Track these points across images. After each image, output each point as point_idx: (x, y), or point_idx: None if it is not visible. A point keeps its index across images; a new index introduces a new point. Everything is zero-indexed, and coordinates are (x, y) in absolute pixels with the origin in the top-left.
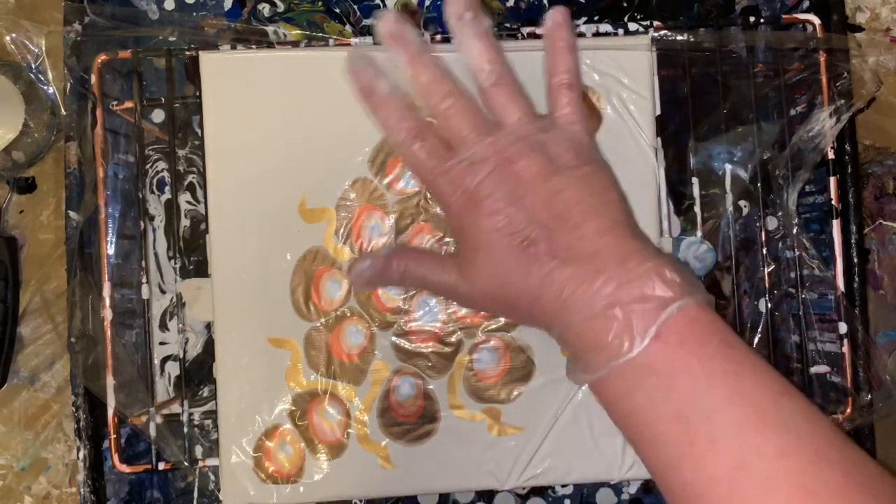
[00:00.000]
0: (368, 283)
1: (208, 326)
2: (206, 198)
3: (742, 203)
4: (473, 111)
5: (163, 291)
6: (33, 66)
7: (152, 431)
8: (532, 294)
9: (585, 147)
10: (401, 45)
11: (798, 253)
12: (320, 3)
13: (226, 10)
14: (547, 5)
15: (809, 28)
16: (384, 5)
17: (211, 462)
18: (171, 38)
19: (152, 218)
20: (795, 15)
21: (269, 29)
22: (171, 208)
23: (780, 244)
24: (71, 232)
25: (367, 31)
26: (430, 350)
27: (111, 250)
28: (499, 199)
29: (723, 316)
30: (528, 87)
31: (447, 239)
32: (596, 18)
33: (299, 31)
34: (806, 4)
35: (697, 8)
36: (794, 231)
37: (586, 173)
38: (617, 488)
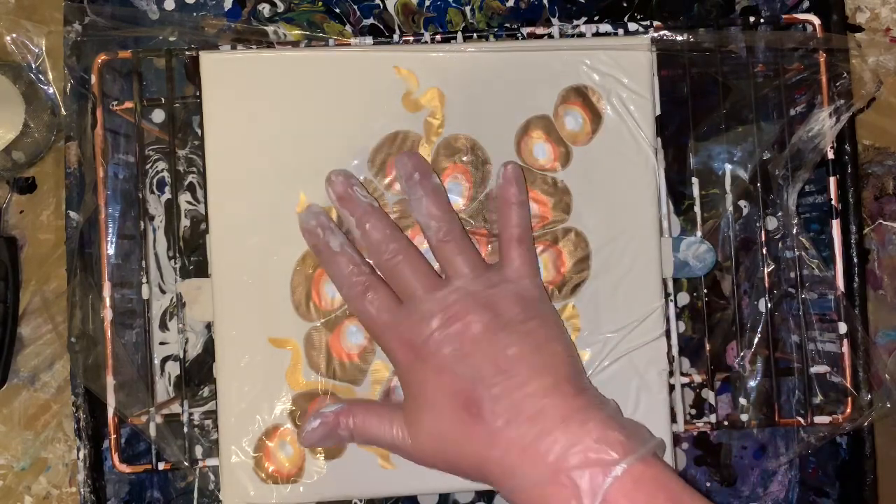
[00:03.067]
0: (318, 443)
1: (208, 326)
2: (206, 198)
3: (742, 203)
4: (422, 266)
5: (163, 291)
6: (33, 66)
7: (152, 431)
8: (477, 455)
9: (533, 301)
10: (349, 207)
11: (798, 253)
12: (320, 3)
13: (226, 10)
14: (547, 5)
15: (809, 28)
16: (384, 6)
17: (211, 462)
18: (171, 38)
19: (152, 218)
20: (795, 15)
21: (269, 29)
22: (171, 208)
23: (780, 244)
24: (71, 232)
25: (367, 31)
26: None
27: (111, 250)
28: (444, 356)
29: (723, 316)
30: (527, 88)
31: None
32: (596, 18)
33: (299, 31)
34: (806, 4)
35: (697, 8)
36: (794, 231)
37: (532, 328)
38: None
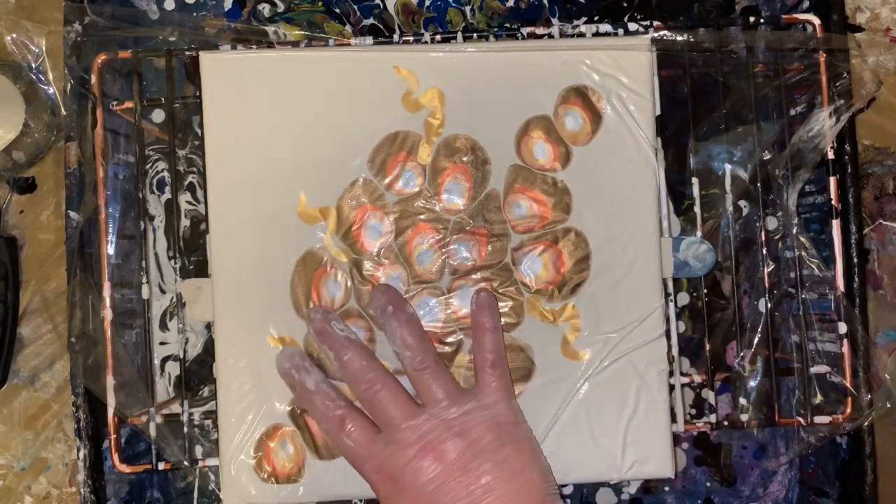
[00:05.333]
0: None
1: (208, 326)
2: (206, 198)
3: (742, 203)
4: (399, 394)
5: (163, 291)
6: (33, 66)
7: (152, 431)
8: None
9: (508, 426)
10: (327, 341)
11: (798, 253)
12: (320, 3)
13: (226, 10)
14: (547, 5)
15: (809, 28)
16: (384, 6)
17: (211, 462)
18: (171, 38)
19: (152, 218)
20: (795, 15)
21: (269, 29)
22: (171, 208)
23: (780, 244)
24: (71, 232)
25: (366, 31)
26: None
27: (111, 250)
28: (419, 487)
29: (723, 316)
30: (527, 88)
31: (446, 239)
32: (596, 18)
33: (299, 31)
34: (806, 4)
35: (697, 8)
36: (794, 231)
37: (506, 456)
38: (617, 488)
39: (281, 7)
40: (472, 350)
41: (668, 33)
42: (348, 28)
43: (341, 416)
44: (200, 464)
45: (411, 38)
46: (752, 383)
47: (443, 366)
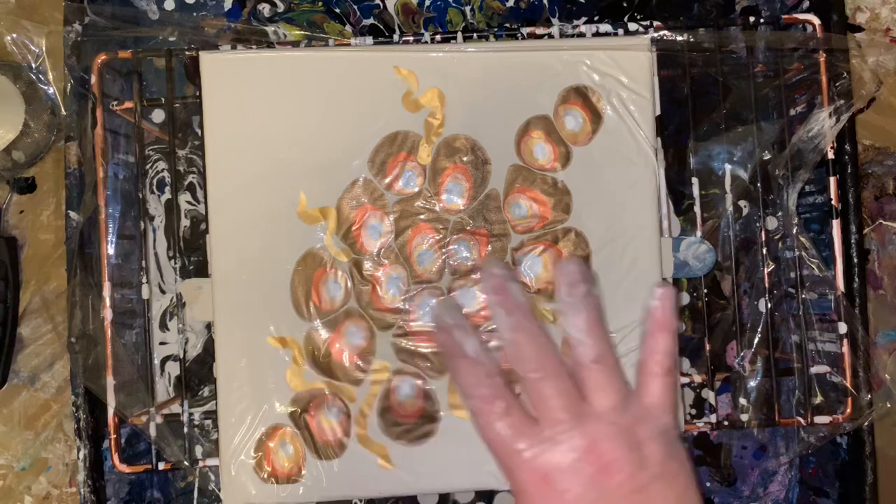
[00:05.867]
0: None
1: (208, 326)
2: (206, 198)
3: (742, 203)
4: (568, 389)
5: (163, 291)
6: (33, 66)
7: (152, 431)
8: None
9: (673, 441)
10: (505, 305)
11: (798, 253)
12: (320, 3)
13: (226, 10)
14: (547, 5)
15: (809, 28)
16: (384, 5)
17: (211, 462)
18: (171, 39)
19: (152, 218)
20: (795, 15)
21: (269, 29)
22: (171, 208)
23: (780, 244)
24: (71, 232)
25: (366, 31)
26: (429, 350)
27: (111, 250)
28: (579, 493)
29: (723, 316)
30: (527, 88)
31: (446, 239)
32: (596, 18)
33: (299, 31)
34: (806, 4)
35: (697, 8)
36: (794, 231)
37: (673, 472)
38: None
39: (281, 7)
40: (641, 348)
41: (668, 33)
42: (348, 28)
43: (498, 395)
44: (200, 464)
45: (411, 38)
46: (752, 383)
47: (619, 364)
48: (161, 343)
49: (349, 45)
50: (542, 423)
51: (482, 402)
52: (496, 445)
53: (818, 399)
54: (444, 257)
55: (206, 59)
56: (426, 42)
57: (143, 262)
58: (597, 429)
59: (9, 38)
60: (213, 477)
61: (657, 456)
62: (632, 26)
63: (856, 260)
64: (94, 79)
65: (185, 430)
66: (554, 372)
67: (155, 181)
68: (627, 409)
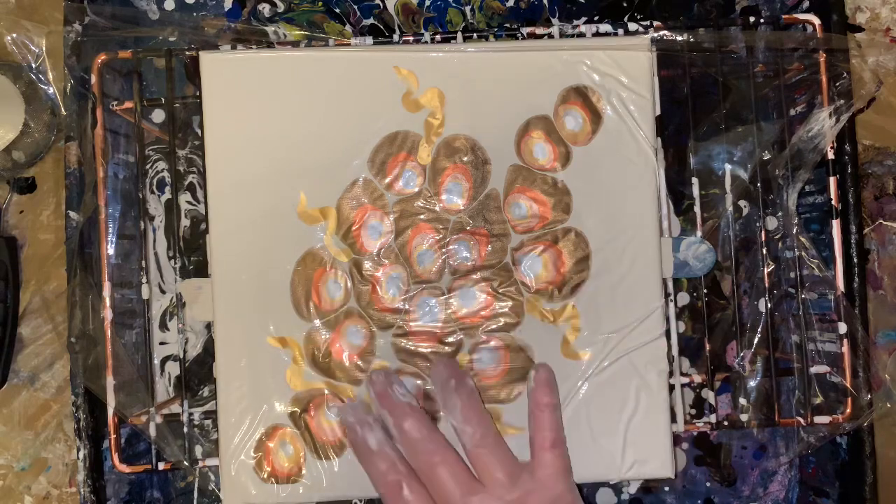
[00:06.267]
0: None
1: (208, 326)
2: (206, 198)
3: (742, 203)
4: (459, 470)
5: (163, 291)
6: (33, 66)
7: (152, 431)
8: None
9: None
10: (387, 405)
11: (798, 253)
12: (320, 3)
13: (226, 10)
14: (547, 5)
15: (809, 28)
16: (384, 5)
17: (211, 462)
18: (171, 38)
19: (152, 218)
20: (795, 15)
21: (269, 29)
22: (171, 208)
23: (780, 244)
24: (71, 232)
25: (366, 31)
26: (429, 350)
27: (111, 250)
28: None
29: (723, 316)
30: (527, 88)
31: (446, 239)
32: (596, 18)
33: (299, 31)
34: (806, 4)
35: (697, 8)
36: (794, 231)
37: None
38: (617, 488)
39: (281, 7)
40: (529, 425)
41: (668, 33)
42: (348, 28)
43: (400, 482)
44: (200, 464)
45: (411, 38)
46: (752, 383)
47: (502, 442)
48: (161, 343)
49: (349, 45)
50: (440, 502)
51: (389, 489)
52: None
53: (818, 399)
54: (444, 257)
55: (206, 59)
56: (426, 42)
57: (143, 262)
58: None
59: (9, 38)
60: (213, 477)
61: None
62: (632, 26)
63: (856, 260)
64: (94, 79)
65: (185, 430)
66: (442, 459)
67: (155, 181)
68: (517, 484)
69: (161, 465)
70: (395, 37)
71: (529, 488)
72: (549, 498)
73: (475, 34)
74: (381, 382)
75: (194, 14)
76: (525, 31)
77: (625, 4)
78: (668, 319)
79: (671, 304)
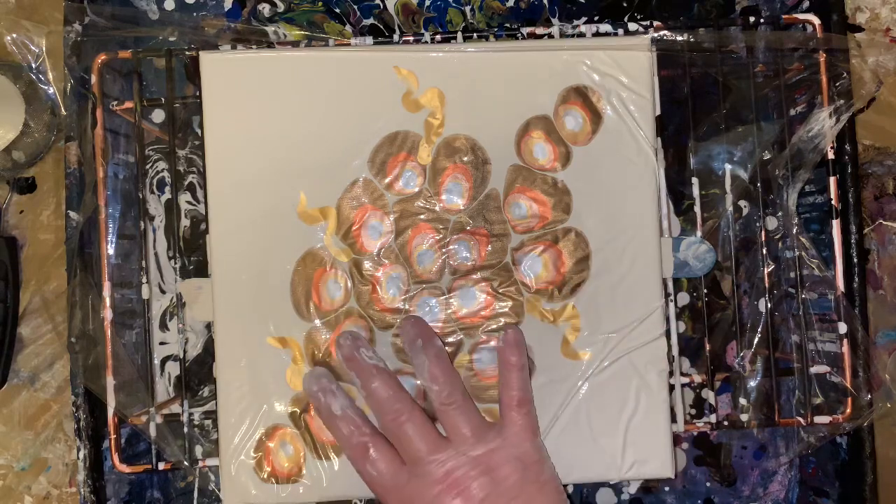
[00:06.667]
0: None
1: (208, 326)
2: (206, 198)
3: (742, 203)
4: (426, 427)
5: (163, 291)
6: (33, 66)
7: (152, 431)
8: None
9: (533, 465)
10: (355, 368)
11: (798, 253)
12: (320, 3)
13: (226, 10)
14: (547, 5)
15: (809, 28)
16: (384, 5)
17: (211, 462)
18: (171, 38)
19: (152, 218)
20: (795, 15)
21: (269, 29)
22: (171, 208)
23: (780, 244)
24: (71, 232)
25: (366, 31)
26: None
27: (111, 250)
28: None
29: (723, 316)
30: (527, 88)
31: (446, 239)
32: (596, 18)
33: (299, 31)
34: (806, 4)
35: (697, 8)
36: (794, 231)
37: (531, 496)
38: (617, 488)
39: (281, 7)
40: (499, 385)
41: (668, 33)
42: (348, 28)
43: (366, 443)
44: (200, 464)
45: (411, 38)
46: (752, 383)
47: (470, 401)
48: (161, 343)
49: (349, 45)
50: (406, 461)
51: (356, 452)
52: (371, 487)
53: (818, 399)
54: (444, 257)
55: (206, 59)
56: (426, 42)
57: (143, 262)
58: (452, 460)
59: (9, 38)
60: (213, 477)
61: (512, 480)
62: (632, 26)
63: (856, 260)
64: (94, 79)
65: (185, 430)
66: (409, 417)
67: (155, 181)
68: (482, 440)
69: (161, 465)
70: (395, 37)
71: (495, 446)
72: (515, 455)
73: (475, 34)
74: (349, 346)
75: (194, 14)
76: (525, 31)
77: (625, 4)
78: (668, 319)
79: (671, 304)
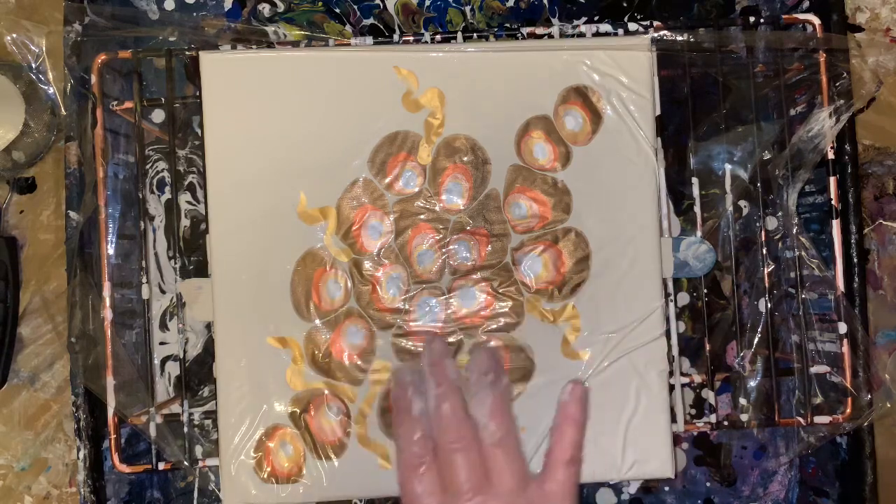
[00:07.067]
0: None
1: (208, 326)
2: (206, 198)
3: (742, 203)
4: (475, 463)
5: (163, 291)
6: (33, 66)
7: (152, 431)
8: None
9: None
10: (437, 376)
11: (798, 253)
12: (320, 3)
13: (226, 10)
14: (547, 5)
15: (809, 28)
16: (384, 5)
17: (211, 462)
18: (171, 38)
19: (152, 218)
20: (795, 15)
21: (269, 29)
22: (171, 208)
23: (780, 244)
24: (71, 232)
25: (366, 31)
26: None
27: (111, 250)
28: None
29: (723, 316)
30: (527, 88)
31: (446, 239)
32: (596, 18)
33: (299, 31)
34: (806, 4)
35: (697, 8)
36: (794, 231)
37: None
38: (617, 488)
39: (281, 7)
40: (550, 436)
41: (668, 33)
42: (348, 28)
43: (424, 457)
44: (200, 464)
45: (411, 38)
46: (752, 383)
47: (519, 448)
48: (161, 343)
49: (349, 45)
50: (447, 489)
51: (411, 457)
52: (407, 495)
53: (818, 399)
54: (444, 257)
55: (206, 59)
56: (426, 42)
57: (143, 262)
58: None
59: (9, 38)
60: (213, 477)
61: None
62: (632, 26)
63: (856, 260)
64: (94, 79)
65: (185, 430)
66: (467, 446)
67: (155, 181)
68: (524, 493)
69: (161, 465)
70: (395, 37)
71: (535, 500)
72: None
73: (475, 34)
74: (440, 352)
75: (194, 14)
76: (525, 31)
77: (625, 4)
78: (668, 319)
79: (671, 304)
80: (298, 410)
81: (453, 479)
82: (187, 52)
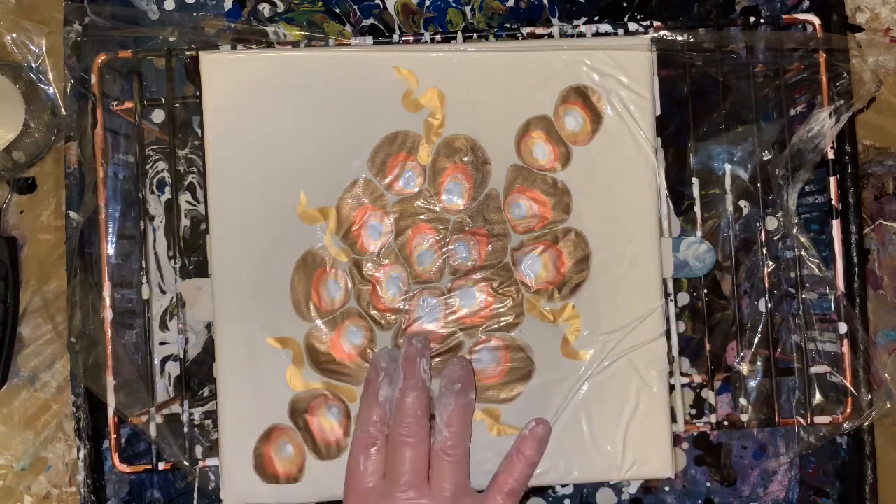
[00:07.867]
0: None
1: (208, 326)
2: (206, 198)
3: (742, 203)
4: (420, 461)
5: (163, 291)
6: (33, 66)
7: (152, 431)
8: None
9: None
10: (407, 371)
11: (798, 253)
12: (320, 3)
13: (226, 10)
14: (547, 5)
15: (809, 28)
16: (384, 5)
17: (211, 462)
18: (171, 38)
19: (152, 218)
20: (795, 15)
21: (269, 29)
22: (171, 208)
23: (780, 244)
24: (71, 232)
25: (366, 31)
26: (430, 350)
27: (111, 250)
28: None
29: (723, 316)
30: (527, 88)
31: (446, 239)
32: (596, 18)
33: (299, 31)
34: (806, 4)
35: (697, 8)
36: (794, 231)
37: None
38: (617, 488)
39: (281, 7)
40: (501, 463)
41: (668, 33)
42: (348, 28)
43: (376, 439)
44: (200, 464)
45: (411, 38)
46: (752, 383)
47: (466, 463)
48: (161, 343)
49: (349, 45)
50: (387, 477)
51: (365, 436)
52: (350, 476)
53: (818, 399)
54: (444, 257)
55: (206, 59)
56: (426, 42)
57: (143, 262)
58: None
59: (9, 38)
60: (213, 477)
61: None
62: (632, 26)
63: (856, 260)
64: (94, 79)
65: (185, 430)
66: (417, 443)
67: (155, 181)
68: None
69: (161, 465)
70: (395, 37)
71: None
72: None
73: (475, 34)
74: (417, 350)
75: (194, 14)
76: (525, 31)
77: (625, 4)
78: (668, 319)
79: (671, 304)
80: (298, 410)
81: (395, 469)
82: (187, 52)
